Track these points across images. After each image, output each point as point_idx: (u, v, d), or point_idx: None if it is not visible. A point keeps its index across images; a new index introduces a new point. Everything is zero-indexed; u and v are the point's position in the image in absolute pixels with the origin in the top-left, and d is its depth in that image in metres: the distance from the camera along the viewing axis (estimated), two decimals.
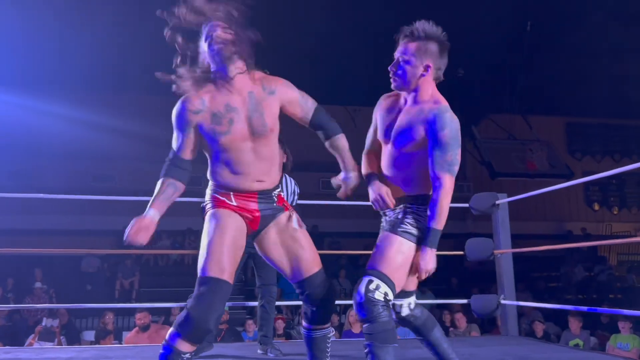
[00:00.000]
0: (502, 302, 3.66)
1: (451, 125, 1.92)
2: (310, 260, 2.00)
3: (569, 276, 10.66)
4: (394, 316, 2.10)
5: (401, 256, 1.93)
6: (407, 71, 1.97)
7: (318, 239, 10.64)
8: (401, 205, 2.02)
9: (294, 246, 2.01)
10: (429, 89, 2.00)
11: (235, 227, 1.95)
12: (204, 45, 1.91)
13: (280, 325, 6.14)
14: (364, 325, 1.89)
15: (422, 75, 1.96)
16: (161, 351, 1.84)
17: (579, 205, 12.83)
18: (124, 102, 11.12)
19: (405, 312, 2.12)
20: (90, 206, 9.71)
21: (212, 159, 1.99)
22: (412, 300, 2.14)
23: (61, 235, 10.03)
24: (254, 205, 1.98)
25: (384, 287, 1.88)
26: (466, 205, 4.04)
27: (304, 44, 9.10)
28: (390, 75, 2.01)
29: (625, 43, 9.48)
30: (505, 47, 9.17)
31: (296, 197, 3.45)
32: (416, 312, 2.14)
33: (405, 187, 2.01)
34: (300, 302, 5.83)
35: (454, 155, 1.92)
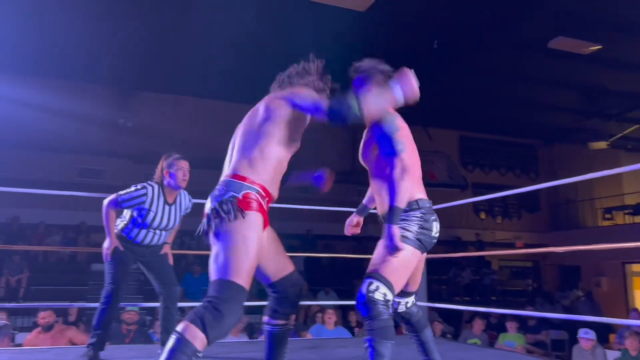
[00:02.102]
0: None
1: (387, 119, 2.17)
2: (289, 260, 2.16)
3: (458, 279, 11.47)
4: (391, 312, 2.22)
5: (397, 259, 2.05)
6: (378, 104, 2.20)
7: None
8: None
9: (277, 247, 2.14)
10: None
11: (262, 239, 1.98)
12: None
13: None
14: (366, 323, 2.00)
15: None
16: (172, 343, 1.72)
17: (469, 214, 13.83)
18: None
19: (401, 308, 2.32)
20: None
21: (271, 152, 2.00)
22: (411, 300, 2.33)
23: None
24: (267, 213, 2.04)
25: (383, 288, 2.01)
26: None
27: (239, 44, 9.02)
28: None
29: (517, 68, 10.43)
30: (414, 62, 9.68)
31: (188, 211, 3.41)
32: (412, 310, 2.35)
33: (389, 198, 2.14)
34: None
35: (395, 138, 2.13)
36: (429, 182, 11.96)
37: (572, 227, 13.97)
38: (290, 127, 2.04)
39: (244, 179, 1.94)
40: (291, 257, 2.21)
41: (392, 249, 2.02)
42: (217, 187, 1.97)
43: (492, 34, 9.09)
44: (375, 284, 2.01)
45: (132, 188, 3.13)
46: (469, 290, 11.37)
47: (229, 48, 9.19)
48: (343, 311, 6.86)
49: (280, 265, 2.13)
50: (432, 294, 10.59)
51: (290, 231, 10.52)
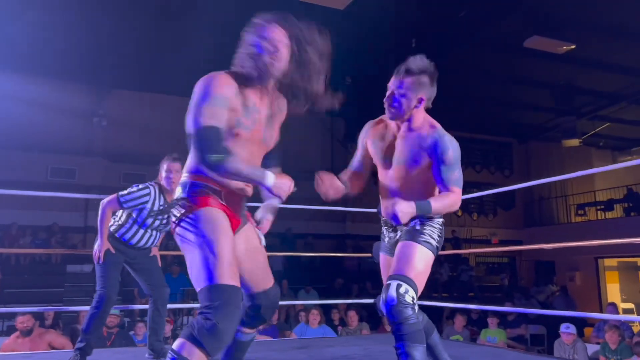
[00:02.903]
0: None
1: (453, 146, 2.07)
2: (269, 274, 2.03)
3: (436, 276, 11.57)
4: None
5: (423, 263, 2.02)
6: (403, 104, 2.11)
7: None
8: (416, 219, 2.11)
9: (257, 260, 2.00)
10: (421, 117, 2.16)
11: (231, 230, 1.81)
12: (255, 49, 1.83)
13: (166, 327, 5.91)
14: (395, 327, 1.92)
15: (416, 107, 2.12)
16: None
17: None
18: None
19: None
20: None
21: None
22: (416, 306, 2.26)
23: None
24: (237, 210, 1.89)
25: (412, 292, 1.94)
26: (345, 209, 4.97)
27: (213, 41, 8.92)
28: (386, 106, 2.14)
29: (493, 67, 10.57)
30: (393, 59, 9.73)
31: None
32: (419, 317, 2.26)
33: (434, 199, 2.10)
34: (184, 305, 5.71)
35: (459, 171, 2.09)
36: None
37: (546, 224, 14.23)
38: (208, 110, 1.75)
39: (191, 176, 1.84)
40: (270, 256, 2.12)
41: (394, 213, 1.95)
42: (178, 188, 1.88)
43: (468, 33, 9.19)
44: (405, 286, 1.93)
45: (134, 188, 3.08)
46: (447, 287, 11.49)
47: (207, 46, 9.08)
48: (325, 310, 6.85)
49: (258, 277, 1.99)
50: None
51: (269, 230, 10.46)
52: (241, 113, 1.80)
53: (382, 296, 1.98)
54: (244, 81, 1.82)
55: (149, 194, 3.07)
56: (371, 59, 9.83)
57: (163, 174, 3.16)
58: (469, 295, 11.18)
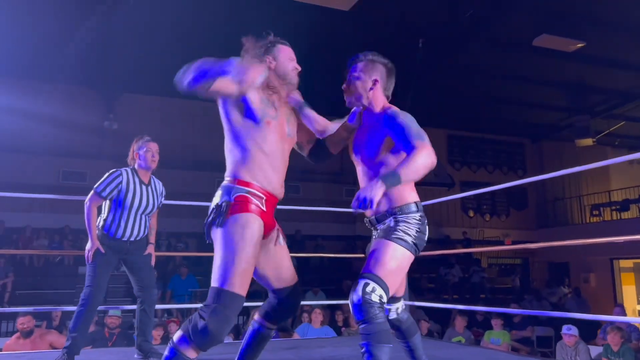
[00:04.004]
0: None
1: (404, 115, 2.06)
2: (293, 272, 2.15)
3: (447, 277, 11.49)
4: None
5: (395, 261, 1.98)
6: (358, 86, 2.15)
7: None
8: (390, 218, 2.08)
9: (283, 258, 2.13)
10: (380, 102, 2.17)
11: (260, 239, 1.93)
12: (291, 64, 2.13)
13: (173, 328, 5.97)
14: (361, 326, 1.91)
15: (371, 88, 2.14)
16: (166, 353, 1.82)
17: (457, 212, 13.86)
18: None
19: (392, 315, 2.24)
20: None
21: (248, 149, 1.97)
22: (400, 305, 2.27)
23: None
24: (272, 213, 2.03)
25: (379, 290, 1.91)
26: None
27: (215, 43, 9.00)
28: (344, 93, 2.18)
29: (503, 66, 10.46)
30: (400, 61, 9.70)
31: (162, 199, 3.44)
32: (402, 317, 2.27)
33: (389, 200, 2.07)
34: (191, 305, 5.73)
35: (418, 129, 1.98)
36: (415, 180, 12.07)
37: (560, 224, 14.03)
38: (241, 118, 1.99)
39: (234, 181, 1.95)
40: None
41: (362, 202, 1.82)
42: (217, 192, 1.99)
43: (476, 32, 9.12)
44: (372, 285, 1.91)
45: (105, 175, 3.15)
46: (458, 288, 11.39)
47: (213, 49, 9.16)
48: (331, 310, 6.85)
49: (284, 275, 2.12)
50: (421, 292, 10.67)
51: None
52: (265, 104, 1.98)
53: (351, 294, 1.96)
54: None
55: (120, 174, 3.14)
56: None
57: (141, 154, 3.23)
58: (479, 297, 11.07)
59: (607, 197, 13.76)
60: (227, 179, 1.98)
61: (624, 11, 8.55)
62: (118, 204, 3.12)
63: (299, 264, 10.41)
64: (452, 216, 13.64)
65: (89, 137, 10.51)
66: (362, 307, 1.89)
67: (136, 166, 3.26)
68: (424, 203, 4.01)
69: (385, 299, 1.94)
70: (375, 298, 1.90)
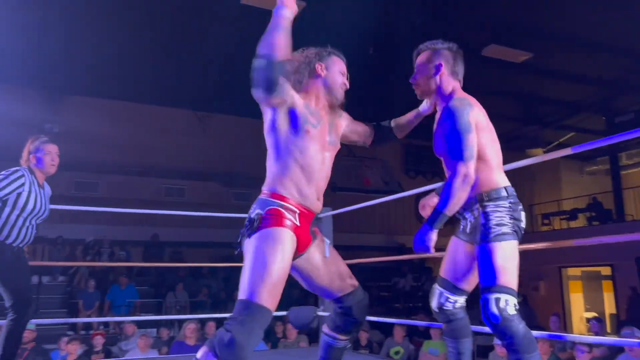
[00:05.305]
0: (320, 313, 3.76)
1: (455, 112, 1.95)
2: (351, 278, 2.12)
3: (399, 286, 11.46)
4: (436, 308, 2.10)
5: (508, 261, 1.88)
6: (423, 75, 2.12)
7: (159, 249, 10.21)
8: (477, 205, 1.98)
9: (334, 267, 2.10)
10: (449, 87, 2.11)
11: (291, 253, 1.90)
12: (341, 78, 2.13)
13: (99, 341, 5.67)
14: (506, 343, 1.83)
15: (435, 74, 2.09)
16: None
17: (411, 221, 13.87)
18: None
19: (448, 306, 2.12)
20: None
21: (286, 162, 1.95)
22: (461, 299, 2.14)
23: None
24: (307, 228, 1.97)
25: (512, 300, 1.83)
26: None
27: (162, 47, 8.80)
28: (413, 87, 2.16)
29: None
30: (351, 68, 9.66)
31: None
32: (458, 312, 2.13)
33: (474, 185, 1.96)
34: (125, 318, 5.40)
35: (462, 140, 1.92)
36: (363, 188, 12.02)
37: None
38: (286, 127, 1.95)
39: (269, 194, 1.94)
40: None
41: (420, 248, 1.92)
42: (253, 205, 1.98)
43: (426, 41, 9.13)
44: (504, 298, 1.82)
45: (4, 174, 2.89)
46: (410, 297, 11.38)
47: (158, 52, 8.96)
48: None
49: (339, 283, 2.08)
50: (372, 302, 10.61)
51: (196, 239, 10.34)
52: (306, 112, 1.97)
53: (484, 315, 1.85)
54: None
55: (22, 175, 2.91)
56: None
57: (38, 156, 3.01)
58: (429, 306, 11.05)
59: (557, 206, 14.02)
60: (263, 192, 1.97)
61: (572, 24, 8.70)
62: (16, 208, 2.90)
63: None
64: (407, 225, 13.65)
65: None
66: (504, 327, 1.81)
67: (32, 167, 3.04)
68: (369, 203, 3.91)
69: (517, 306, 1.86)
70: (512, 311, 1.82)
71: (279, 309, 1.93)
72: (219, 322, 6.99)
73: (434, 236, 1.91)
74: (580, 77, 10.64)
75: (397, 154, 14.00)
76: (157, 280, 9.56)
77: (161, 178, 11.24)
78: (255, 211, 1.91)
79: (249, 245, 1.85)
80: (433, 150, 2.16)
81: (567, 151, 2.59)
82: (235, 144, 11.30)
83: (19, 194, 2.89)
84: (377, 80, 9.97)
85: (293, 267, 1.98)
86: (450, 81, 2.12)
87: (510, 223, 1.92)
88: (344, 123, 2.19)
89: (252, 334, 1.72)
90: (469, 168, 1.90)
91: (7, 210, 2.89)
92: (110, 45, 8.75)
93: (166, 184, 11.34)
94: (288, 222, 1.89)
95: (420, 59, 2.16)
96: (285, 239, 1.86)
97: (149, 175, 10.93)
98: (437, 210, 1.92)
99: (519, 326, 1.81)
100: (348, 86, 2.14)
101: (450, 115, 1.96)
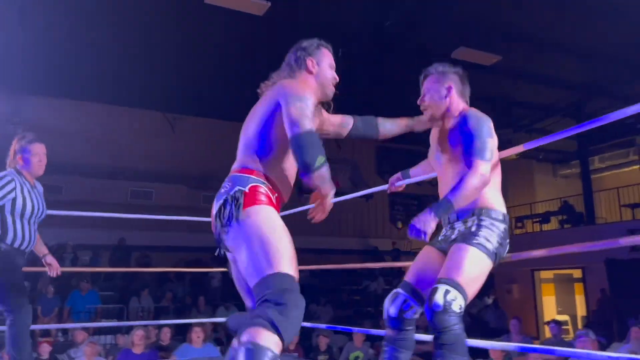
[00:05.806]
0: None
1: (476, 119, 2.02)
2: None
3: (370, 289, 11.38)
4: (395, 314, 2.03)
5: (476, 268, 1.87)
6: (434, 97, 2.13)
7: (125, 253, 10.01)
8: (473, 217, 1.98)
9: None
10: (459, 107, 2.13)
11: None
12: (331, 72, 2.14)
13: (45, 349, 5.47)
14: (436, 335, 1.78)
15: (446, 96, 2.11)
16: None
17: (385, 224, 13.83)
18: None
19: (410, 315, 2.07)
20: None
21: (274, 149, 1.85)
22: (420, 310, 2.08)
23: None
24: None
25: (460, 300, 1.81)
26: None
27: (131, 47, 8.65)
28: (421, 108, 2.18)
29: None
30: None
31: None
32: (413, 322, 2.09)
33: (451, 189, 1.94)
34: (76, 325, 5.16)
35: (482, 141, 1.97)
36: None
37: None
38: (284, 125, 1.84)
39: (250, 172, 1.81)
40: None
41: (416, 233, 1.83)
42: (223, 184, 1.83)
43: (395, 43, 9.10)
44: (454, 293, 1.81)
45: None
46: (382, 300, 11.29)
47: (128, 52, 8.80)
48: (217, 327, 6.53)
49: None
50: (343, 305, 10.52)
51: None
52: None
53: (428, 301, 1.81)
54: None
55: (12, 180, 2.82)
56: None
57: (25, 157, 2.91)
58: None
59: (529, 209, 14.07)
60: (240, 170, 1.82)
61: (542, 27, 8.71)
62: (15, 212, 2.84)
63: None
64: (381, 227, 13.60)
65: None
66: (441, 316, 1.78)
67: (19, 167, 2.93)
68: (336, 199, 3.82)
69: (462, 309, 1.81)
70: (455, 308, 1.80)
71: None
72: (177, 328, 6.83)
73: (433, 224, 1.86)
74: (551, 80, 10.69)
75: (371, 155, 13.95)
76: (123, 285, 9.36)
77: (129, 180, 11.05)
78: (235, 188, 1.76)
79: (243, 228, 1.69)
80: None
81: (520, 148, 2.53)
82: (205, 146, 11.16)
83: (14, 199, 2.80)
84: (346, 82, 9.87)
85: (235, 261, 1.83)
86: (460, 102, 2.19)
87: (496, 244, 1.95)
88: (324, 115, 2.17)
89: (300, 304, 1.60)
90: (488, 168, 1.94)
91: (8, 216, 2.81)
92: (78, 45, 8.59)
93: (133, 186, 11.15)
94: (270, 202, 1.79)
95: (428, 81, 2.21)
96: (277, 215, 1.77)
97: (116, 178, 10.73)
98: (446, 198, 1.89)
99: (456, 325, 1.80)
100: (337, 79, 2.12)
101: (471, 120, 2.03)
